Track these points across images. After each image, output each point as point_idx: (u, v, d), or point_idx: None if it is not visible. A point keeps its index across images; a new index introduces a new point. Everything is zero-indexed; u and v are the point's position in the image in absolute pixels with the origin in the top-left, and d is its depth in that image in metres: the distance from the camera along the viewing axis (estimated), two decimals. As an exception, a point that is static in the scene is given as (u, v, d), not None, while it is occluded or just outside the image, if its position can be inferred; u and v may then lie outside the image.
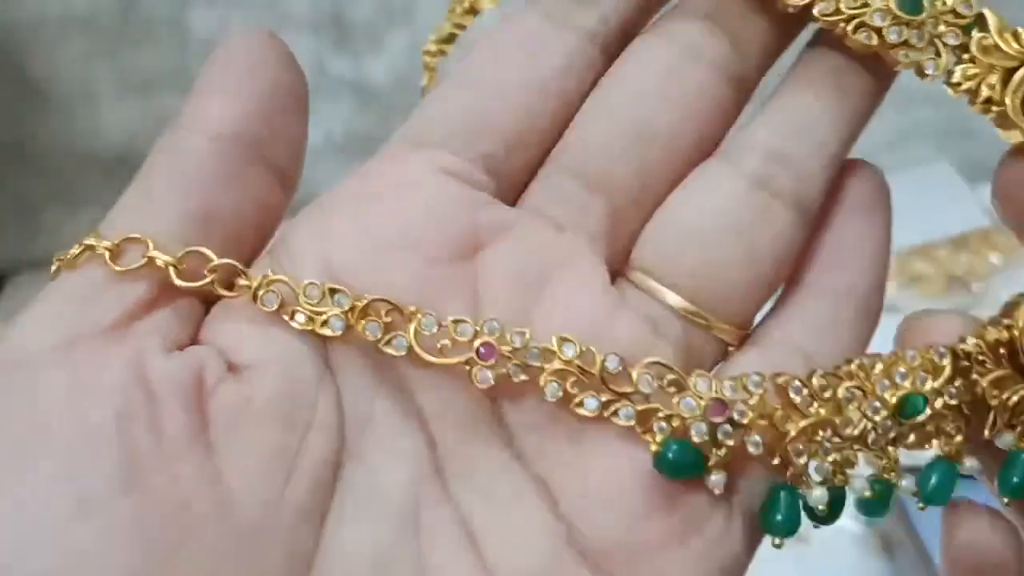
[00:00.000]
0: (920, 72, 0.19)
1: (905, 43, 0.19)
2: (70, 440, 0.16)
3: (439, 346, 0.18)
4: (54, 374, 0.17)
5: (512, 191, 0.20)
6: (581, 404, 0.18)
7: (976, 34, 0.19)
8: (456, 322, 0.18)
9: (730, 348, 0.20)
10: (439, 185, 0.19)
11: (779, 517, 0.18)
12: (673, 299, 0.19)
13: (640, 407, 0.18)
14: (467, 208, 0.19)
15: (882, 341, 0.68)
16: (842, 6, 0.19)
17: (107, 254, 0.18)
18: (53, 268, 0.19)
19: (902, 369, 0.18)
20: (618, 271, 0.20)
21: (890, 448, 0.18)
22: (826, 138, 0.20)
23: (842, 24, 0.19)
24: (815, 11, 0.19)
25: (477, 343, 0.18)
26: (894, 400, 0.18)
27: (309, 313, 0.18)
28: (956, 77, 0.19)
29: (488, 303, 0.19)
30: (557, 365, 0.18)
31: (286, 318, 0.18)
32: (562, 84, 0.20)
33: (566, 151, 0.20)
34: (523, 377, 0.18)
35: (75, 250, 0.18)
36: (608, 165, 0.19)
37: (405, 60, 0.64)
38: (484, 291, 0.19)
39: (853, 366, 0.19)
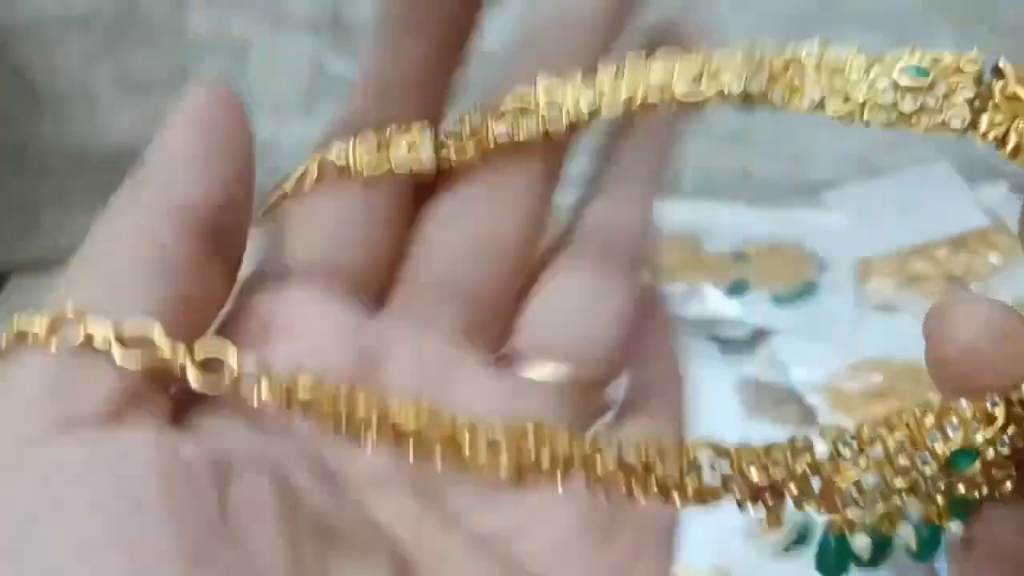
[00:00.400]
0: (948, 129, 0.19)
1: (922, 108, 0.19)
2: (121, 510, 0.15)
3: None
4: (71, 450, 0.16)
5: (378, 304, 0.21)
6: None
7: (996, 82, 0.19)
8: None
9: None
10: (322, 313, 0.20)
11: (829, 561, 0.19)
12: (558, 371, 0.21)
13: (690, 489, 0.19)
14: (356, 329, 0.20)
15: (882, 340, 0.68)
16: (853, 97, 0.19)
17: (112, 340, 0.16)
18: (10, 336, 0.17)
19: (954, 420, 0.18)
20: (499, 359, 0.21)
21: (939, 496, 0.19)
22: (643, 199, 0.22)
23: (858, 114, 0.19)
24: (829, 112, 0.19)
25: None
26: (945, 454, 0.18)
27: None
28: (983, 126, 0.19)
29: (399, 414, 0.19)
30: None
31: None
32: (401, 203, 0.21)
33: (419, 268, 0.21)
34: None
35: (43, 328, 0.16)
36: (460, 276, 0.21)
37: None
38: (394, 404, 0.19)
39: (904, 415, 0.19)
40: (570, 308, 0.21)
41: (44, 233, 0.66)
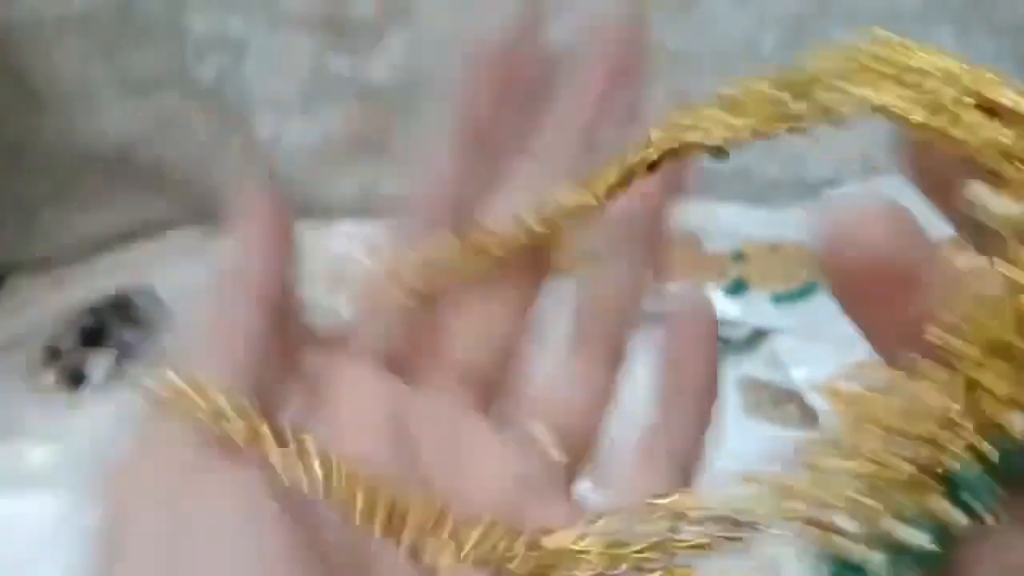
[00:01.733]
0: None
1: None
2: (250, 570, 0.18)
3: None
4: (215, 478, 0.19)
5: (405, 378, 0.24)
6: None
7: None
8: None
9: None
10: (374, 385, 0.23)
11: None
12: (541, 431, 0.24)
13: None
14: (392, 396, 0.23)
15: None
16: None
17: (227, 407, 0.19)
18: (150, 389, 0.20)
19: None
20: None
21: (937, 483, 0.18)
22: (627, 285, 0.26)
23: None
24: (886, 100, 0.19)
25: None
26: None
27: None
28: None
29: (427, 476, 0.22)
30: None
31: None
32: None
33: (443, 353, 0.24)
34: None
35: (181, 391, 0.20)
36: (475, 362, 0.24)
37: (405, 58, 0.64)
38: (424, 465, 0.22)
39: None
40: (553, 380, 0.24)
41: (43, 233, 0.66)
